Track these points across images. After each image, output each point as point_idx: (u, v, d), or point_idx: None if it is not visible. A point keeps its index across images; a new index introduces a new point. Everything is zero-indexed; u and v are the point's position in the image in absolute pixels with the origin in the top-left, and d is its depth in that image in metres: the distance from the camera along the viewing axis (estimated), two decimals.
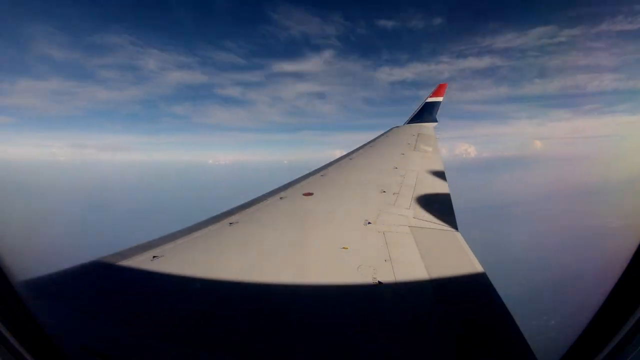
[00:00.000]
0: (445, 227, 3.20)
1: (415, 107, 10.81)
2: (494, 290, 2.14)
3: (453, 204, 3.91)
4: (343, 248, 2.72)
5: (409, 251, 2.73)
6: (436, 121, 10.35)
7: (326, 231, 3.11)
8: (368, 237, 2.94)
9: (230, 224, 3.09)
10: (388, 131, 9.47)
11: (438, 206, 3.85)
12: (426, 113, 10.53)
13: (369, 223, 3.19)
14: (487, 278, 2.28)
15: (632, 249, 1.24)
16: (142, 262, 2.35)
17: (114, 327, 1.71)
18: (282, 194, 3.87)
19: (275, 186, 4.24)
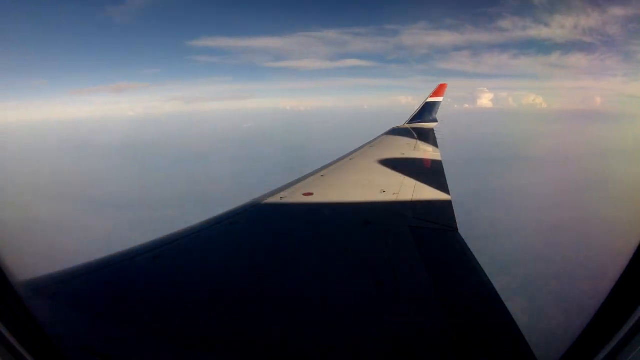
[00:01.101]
0: (446, 227, 3.20)
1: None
2: (494, 290, 2.14)
3: (452, 202, 3.91)
4: (343, 248, 2.72)
5: (409, 251, 2.73)
6: (436, 121, 10.39)
7: (326, 231, 3.11)
8: (368, 237, 2.94)
9: (231, 224, 3.09)
10: (388, 131, 9.49)
11: (438, 206, 3.85)
12: (426, 113, 10.57)
13: (369, 223, 3.19)
14: (487, 278, 2.28)
15: (632, 249, 1.24)
16: (142, 262, 2.35)
17: (114, 327, 1.71)
18: (282, 194, 3.87)
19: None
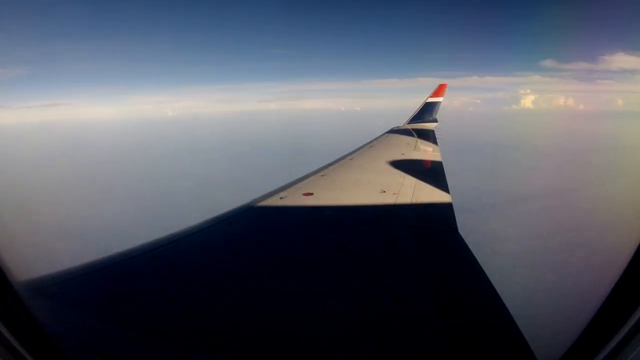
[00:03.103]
0: (446, 227, 3.20)
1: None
2: (494, 290, 2.14)
3: (452, 202, 3.91)
4: (343, 248, 2.72)
5: (409, 251, 2.74)
6: (436, 121, 10.39)
7: (326, 231, 3.11)
8: (368, 237, 2.94)
9: (231, 224, 3.09)
10: (388, 131, 9.49)
11: (438, 206, 3.85)
12: (426, 113, 10.58)
13: (369, 223, 3.20)
14: (487, 278, 2.29)
15: (632, 249, 1.24)
16: (142, 262, 2.35)
17: (114, 327, 1.71)
18: (282, 194, 3.87)
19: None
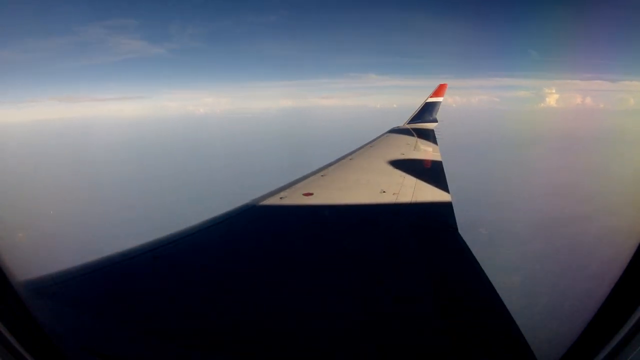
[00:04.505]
0: (446, 227, 3.20)
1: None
2: (494, 290, 2.14)
3: (453, 202, 3.92)
4: (343, 248, 2.72)
5: (409, 251, 2.74)
6: (436, 121, 10.39)
7: (326, 231, 3.11)
8: (368, 237, 2.94)
9: (230, 224, 3.09)
10: (388, 131, 9.48)
11: (438, 206, 3.85)
12: (426, 113, 10.58)
13: (369, 223, 3.20)
14: (487, 278, 2.29)
15: (632, 249, 1.24)
16: (142, 262, 2.35)
17: (114, 327, 1.71)
18: (282, 194, 3.87)
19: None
